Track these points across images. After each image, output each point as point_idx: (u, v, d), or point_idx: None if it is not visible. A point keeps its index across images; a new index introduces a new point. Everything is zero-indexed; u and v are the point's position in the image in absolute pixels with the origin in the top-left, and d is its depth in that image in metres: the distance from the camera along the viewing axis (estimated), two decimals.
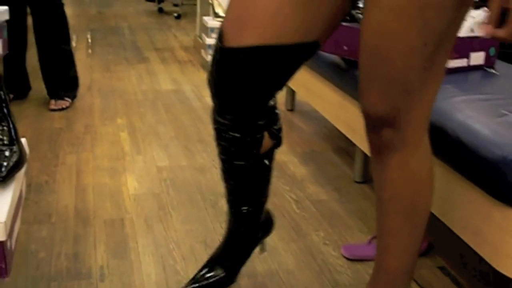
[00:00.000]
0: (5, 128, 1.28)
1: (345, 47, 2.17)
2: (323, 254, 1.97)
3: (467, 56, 2.08)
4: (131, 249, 1.97)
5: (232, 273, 1.64)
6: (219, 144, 1.48)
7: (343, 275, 1.85)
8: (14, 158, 1.25)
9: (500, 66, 2.19)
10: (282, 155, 2.78)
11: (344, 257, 1.95)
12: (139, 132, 3.02)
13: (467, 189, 1.52)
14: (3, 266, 1.10)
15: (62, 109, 3.35)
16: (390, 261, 1.41)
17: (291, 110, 3.42)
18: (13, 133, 1.29)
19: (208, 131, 3.02)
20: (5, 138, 1.26)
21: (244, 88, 1.34)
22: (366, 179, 2.48)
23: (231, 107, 1.38)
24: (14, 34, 3.20)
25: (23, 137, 1.53)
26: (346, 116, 2.33)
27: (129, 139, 2.93)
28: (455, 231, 1.61)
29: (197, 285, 1.61)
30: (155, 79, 4.04)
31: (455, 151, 1.55)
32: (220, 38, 1.32)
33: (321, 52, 2.31)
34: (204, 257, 1.78)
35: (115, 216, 2.18)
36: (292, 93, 3.38)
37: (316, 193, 2.41)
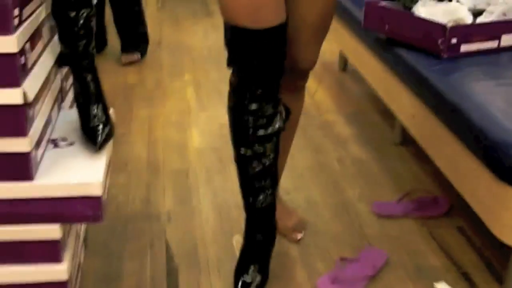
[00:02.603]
0: (100, 106, 1.63)
1: (387, 26, 2.43)
2: (356, 209, 2.29)
3: (499, 38, 2.31)
4: (193, 196, 2.33)
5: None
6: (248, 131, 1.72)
7: (370, 229, 2.17)
8: (106, 131, 1.61)
9: None
10: (330, 114, 3.09)
11: (374, 213, 2.26)
12: (204, 88, 3.36)
13: (476, 165, 1.80)
14: (100, 213, 1.47)
15: (132, 63, 3.71)
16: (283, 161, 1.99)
17: (344, 70, 3.69)
18: (106, 111, 1.64)
19: None
20: (100, 114, 1.62)
21: (277, 62, 1.66)
22: (405, 141, 2.75)
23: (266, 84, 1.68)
24: None
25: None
26: (386, 86, 2.60)
27: (194, 95, 3.27)
28: (466, 199, 1.91)
29: None
30: (220, 34, 4.34)
31: (468, 131, 1.83)
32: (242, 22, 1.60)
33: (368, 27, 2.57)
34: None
35: (181, 167, 2.54)
36: (344, 55, 3.63)
37: (357, 152, 2.71)
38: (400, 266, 1.98)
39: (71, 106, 1.87)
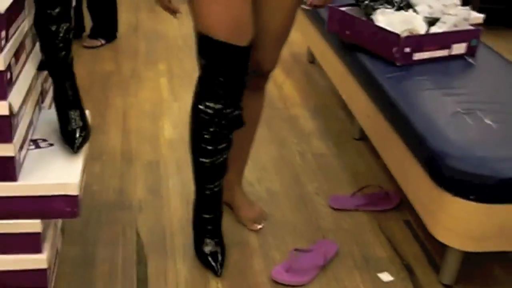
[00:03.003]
0: (77, 111, 1.79)
1: (347, 32, 2.61)
2: (313, 202, 2.48)
3: (449, 47, 2.50)
4: (163, 187, 2.51)
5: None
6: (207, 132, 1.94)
7: (325, 221, 2.37)
8: (83, 135, 1.77)
9: (482, 53, 2.60)
10: (296, 108, 3.27)
11: (330, 206, 2.46)
12: (177, 78, 3.52)
13: (418, 170, 2.00)
14: (77, 210, 1.65)
15: (93, 47, 3.90)
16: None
17: (312, 62, 3.86)
18: (83, 116, 1.81)
19: None
20: (77, 119, 1.78)
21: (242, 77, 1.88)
22: (363, 136, 2.94)
23: (232, 93, 1.88)
24: None
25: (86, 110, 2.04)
26: (346, 86, 2.78)
27: (167, 85, 3.44)
28: (409, 199, 2.11)
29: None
30: None
31: (413, 138, 2.03)
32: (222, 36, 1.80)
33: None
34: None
35: (152, 158, 2.72)
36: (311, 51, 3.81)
37: (318, 147, 2.91)
38: (349, 257, 2.18)
39: (50, 106, 2.03)
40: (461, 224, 1.83)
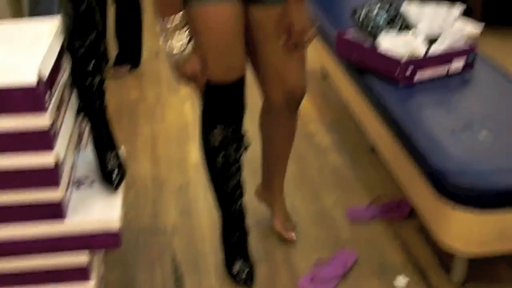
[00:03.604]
0: (113, 152, 2.03)
1: (354, 55, 2.81)
2: (332, 215, 2.69)
3: (448, 64, 2.69)
4: (194, 210, 2.73)
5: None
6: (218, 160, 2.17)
7: (344, 232, 2.57)
8: (120, 173, 2.01)
9: (480, 66, 2.78)
10: (312, 124, 3.48)
11: (348, 218, 2.66)
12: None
13: (423, 183, 2.20)
14: (118, 241, 1.87)
15: (120, 76, 4.15)
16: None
17: (325, 78, 4.06)
18: (118, 156, 2.04)
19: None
20: (114, 159, 2.02)
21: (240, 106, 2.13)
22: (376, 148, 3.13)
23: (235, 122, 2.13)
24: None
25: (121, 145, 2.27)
26: (356, 104, 2.98)
27: (191, 109, 3.66)
28: (417, 211, 2.31)
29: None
30: None
31: (417, 155, 2.22)
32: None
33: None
34: (251, 218, 2.48)
35: (182, 182, 2.94)
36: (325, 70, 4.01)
37: (335, 161, 3.11)
38: (367, 264, 2.39)
39: (86, 146, 2.26)
40: (463, 231, 2.02)
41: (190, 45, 1.99)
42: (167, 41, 1.99)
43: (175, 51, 1.99)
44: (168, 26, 1.95)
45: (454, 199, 2.01)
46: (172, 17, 1.94)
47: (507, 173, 2.01)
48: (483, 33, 2.90)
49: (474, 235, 2.03)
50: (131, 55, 4.27)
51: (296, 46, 2.12)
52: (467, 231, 2.03)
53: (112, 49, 4.33)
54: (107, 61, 4.32)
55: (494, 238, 2.03)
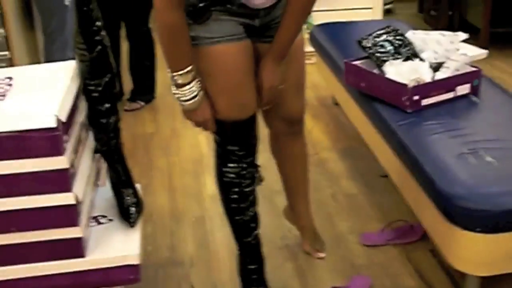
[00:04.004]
0: (130, 189, 2.10)
1: (362, 84, 2.88)
2: (347, 241, 2.74)
3: (454, 90, 2.75)
4: (211, 241, 2.79)
5: None
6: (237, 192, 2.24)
7: (358, 258, 2.62)
8: (138, 210, 2.08)
9: (485, 89, 2.84)
10: (325, 151, 3.54)
11: (362, 243, 2.71)
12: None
13: (432, 208, 2.25)
14: (138, 277, 1.94)
15: (133, 110, 4.27)
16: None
17: (337, 104, 4.13)
18: (135, 192, 2.12)
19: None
20: (131, 196, 2.09)
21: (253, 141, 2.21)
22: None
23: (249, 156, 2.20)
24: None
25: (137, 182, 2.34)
26: (366, 131, 3.05)
27: (206, 141, 3.74)
28: (428, 233, 2.36)
29: None
30: None
31: (424, 181, 2.28)
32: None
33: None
34: (266, 246, 2.53)
35: (198, 214, 3.01)
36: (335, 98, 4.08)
37: (348, 187, 3.17)
38: None
39: (104, 183, 2.34)
40: (472, 253, 2.07)
41: (200, 94, 2.05)
42: (178, 92, 2.04)
43: (186, 103, 2.05)
44: (180, 81, 2.01)
45: (461, 222, 2.06)
46: (182, 71, 1.99)
47: None
48: (490, 55, 2.96)
49: (483, 257, 2.08)
50: (145, 90, 4.37)
51: (262, 102, 2.17)
52: (476, 254, 2.07)
53: (127, 82, 4.44)
54: (122, 94, 4.43)
55: (503, 259, 2.07)
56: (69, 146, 1.83)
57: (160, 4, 1.89)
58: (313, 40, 3.97)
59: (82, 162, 2.00)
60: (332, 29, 3.95)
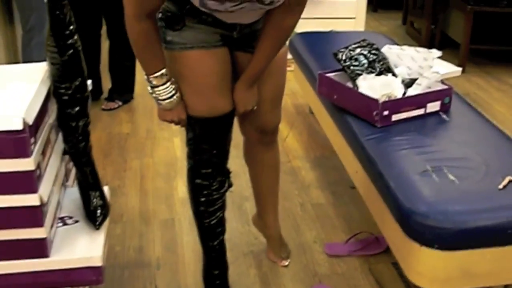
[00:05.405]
0: (97, 192, 2.13)
1: (335, 96, 2.92)
2: (311, 250, 2.78)
3: (424, 106, 2.80)
4: (178, 244, 2.82)
5: None
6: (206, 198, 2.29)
7: (321, 267, 2.67)
8: (103, 212, 2.11)
9: (456, 108, 2.89)
10: (298, 160, 3.58)
11: (326, 253, 2.76)
12: None
13: (393, 222, 2.30)
14: (101, 278, 1.97)
15: (111, 109, 4.30)
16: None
17: (312, 112, 4.17)
18: (102, 195, 2.14)
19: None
20: (98, 199, 2.12)
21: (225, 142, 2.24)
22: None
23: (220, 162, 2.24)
24: (89, 41, 4.04)
25: (106, 184, 2.37)
26: (337, 142, 3.09)
27: (181, 145, 3.77)
28: (390, 246, 2.41)
29: None
30: None
31: (389, 196, 2.32)
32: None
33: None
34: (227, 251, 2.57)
35: (168, 217, 3.04)
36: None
37: (317, 197, 3.21)
38: None
39: (73, 184, 2.36)
40: (429, 269, 2.12)
41: (177, 95, 2.10)
42: (154, 92, 2.08)
43: (163, 102, 2.09)
44: (154, 82, 2.05)
45: (420, 238, 2.10)
46: (156, 74, 2.03)
47: (471, 215, 2.11)
48: (468, 71, 3.01)
49: (440, 273, 2.12)
50: (124, 90, 4.40)
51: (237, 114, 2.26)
52: (432, 269, 2.12)
53: (106, 81, 4.46)
54: (101, 93, 4.45)
55: (459, 276, 2.12)
56: (36, 148, 1.85)
57: (128, 13, 1.93)
58: (292, 48, 4.02)
59: (50, 163, 2.02)
60: (311, 38, 4.00)
